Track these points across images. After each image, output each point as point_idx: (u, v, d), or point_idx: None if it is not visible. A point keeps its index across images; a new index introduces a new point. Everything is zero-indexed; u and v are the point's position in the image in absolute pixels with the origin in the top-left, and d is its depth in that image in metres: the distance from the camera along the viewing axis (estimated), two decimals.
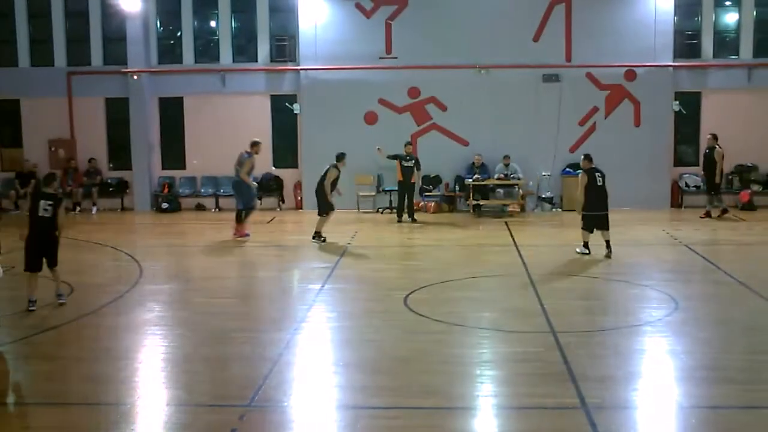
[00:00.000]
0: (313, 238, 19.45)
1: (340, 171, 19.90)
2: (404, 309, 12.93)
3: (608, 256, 17.05)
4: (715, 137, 22.93)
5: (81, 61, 26.48)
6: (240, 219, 20.22)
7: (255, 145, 20.63)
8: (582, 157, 17.80)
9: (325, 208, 19.68)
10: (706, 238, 19.70)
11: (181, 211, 25.85)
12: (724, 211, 22.94)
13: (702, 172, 23.55)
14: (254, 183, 21.12)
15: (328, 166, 19.91)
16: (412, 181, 23.03)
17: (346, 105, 25.31)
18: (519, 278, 15.19)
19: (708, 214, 22.81)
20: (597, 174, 17.37)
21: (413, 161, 22.99)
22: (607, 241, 17.21)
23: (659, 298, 13.60)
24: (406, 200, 23.06)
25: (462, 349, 10.87)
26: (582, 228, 17.44)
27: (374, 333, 11.75)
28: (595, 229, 17.32)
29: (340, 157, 20.05)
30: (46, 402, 9.16)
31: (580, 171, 17.82)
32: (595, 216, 17.23)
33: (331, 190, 19.74)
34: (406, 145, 23.24)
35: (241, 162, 20.31)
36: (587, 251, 17.29)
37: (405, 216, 23.02)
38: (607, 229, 17.25)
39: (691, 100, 25.55)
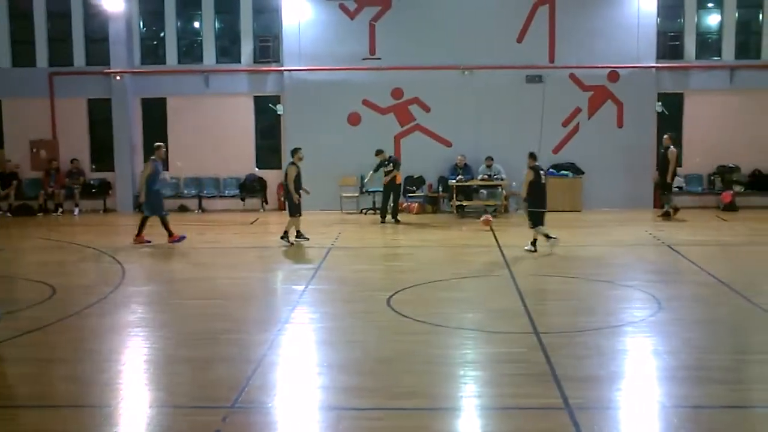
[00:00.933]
0: (297, 237, 19.42)
1: (299, 167, 19.56)
2: (387, 310, 12.92)
3: (533, 251, 17.76)
4: (671, 138, 23.07)
5: (63, 61, 26.42)
6: (142, 226, 19.83)
7: (157, 149, 20.01)
8: (528, 155, 18.33)
9: (294, 209, 19.41)
10: (689, 238, 19.76)
11: None
12: (666, 214, 23.12)
13: (656, 172, 23.54)
14: (167, 184, 20.93)
15: (286, 165, 19.63)
16: (398, 182, 23.03)
17: (329, 106, 25.33)
18: (502, 279, 15.21)
19: (667, 214, 22.92)
20: (541, 171, 18.01)
21: (391, 164, 22.96)
22: (537, 239, 17.90)
23: (642, 299, 13.64)
24: (390, 201, 23.06)
25: (445, 350, 10.87)
26: (532, 227, 17.88)
27: (357, 334, 11.74)
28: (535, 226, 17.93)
29: (294, 151, 19.67)
30: (29, 404, 9.11)
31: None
32: (541, 212, 17.81)
33: (297, 189, 19.43)
34: (376, 153, 23.12)
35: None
36: (553, 236, 17.84)
37: (388, 217, 23.02)
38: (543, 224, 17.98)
39: (674, 101, 25.71)
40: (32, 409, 8.97)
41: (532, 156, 18.21)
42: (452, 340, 11.46)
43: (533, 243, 17.78)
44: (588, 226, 22.07)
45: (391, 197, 23.12)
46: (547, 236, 17.85)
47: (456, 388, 9.50)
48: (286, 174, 19.57)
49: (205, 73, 25.94)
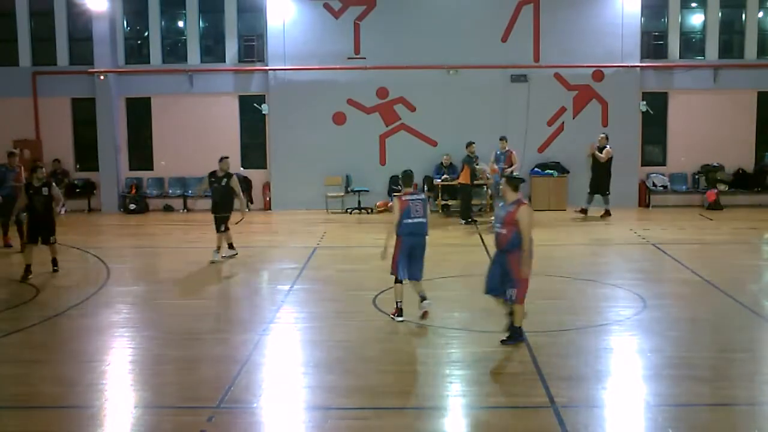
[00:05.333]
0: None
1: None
2: (373, 309, 12.93)
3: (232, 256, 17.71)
4: (607, 138, 23.14)
5: (46, 60, 26.24)
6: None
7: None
8: (220, 159, 17.91)
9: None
10: (674, 237, 19.83)
11: (149, 212, 25.66)
12: (607, 212, 23.17)
13: (591, 172, 23.51)
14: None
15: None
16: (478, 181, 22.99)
17: (314, 105, 25.28)
18: None
19: (585, 212, 23.19)
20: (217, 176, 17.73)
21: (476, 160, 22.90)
22: (230, 244, 17.81)
23: (627, 298, 13.69)
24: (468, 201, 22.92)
25: (431, 349, 10.89)
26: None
27: (343, 334, 11.73)
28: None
29: (35, 169, 16.11)
30: (13, 405, 9.06)
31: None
32: (223, 217, 17.56)
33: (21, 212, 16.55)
34: (468, 146, 22.73)
35: None
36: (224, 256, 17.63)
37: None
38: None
39: (658, 101, 25.76)
40: (16, 410, 8.93)
41: (223, 160, 17.89)
42: (438, 339, 11.47)
43: (230, 246, 17.83)
44: (573, 224, 22.12)
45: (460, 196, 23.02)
46: (220, 249, 17.65)
47: (442, 387, 9.51)
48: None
49: (190, 72, 25.83)
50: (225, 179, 17.53)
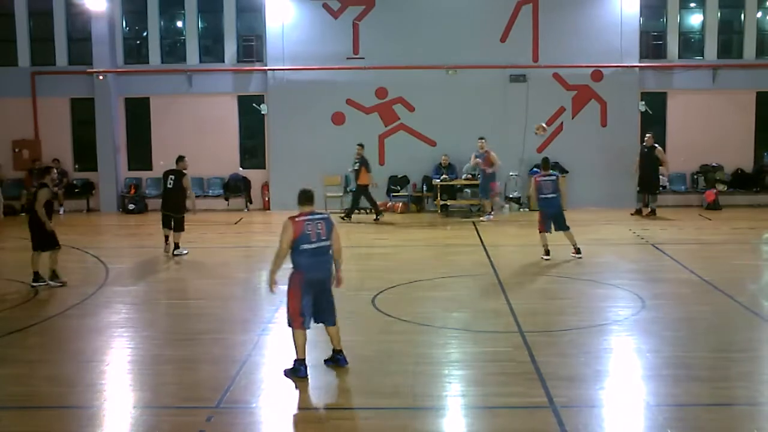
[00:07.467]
0: (52, 279, 15.07)
1: (51, 189, 15.27)
2: (372, 309, 12.92)
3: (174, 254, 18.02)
4: (653, 137, 23.33)
5: (45, 60, 26.26)
6: None
7: None
8: (179, 158, 18.95)
9: (46, 242, 15.04)
10: (672, 237, 19.83)
11: (148, 213, 25.63)
12: (653, 212, 23.50)
13: (638, 171, 23.77)
14: None
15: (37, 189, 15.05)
16: (361, 182, 23.23)
17: (313, 105, 25.29)
18: (487, 278, 15.22)
19: (639, 212, 23.55)
20: (171, 177, 18.47)
21: (358, 164, 23.15)
22: (176, 243, 18.06)
23: (626, 298, 13.69)
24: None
25: (430, 349, 10.87)
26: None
27: (343, 334, 11.66)
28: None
29: (46, 171, 15.47)
30: (12, 406, 9.05)
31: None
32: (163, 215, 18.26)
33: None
34: (358, 146, 23.37)
35: None
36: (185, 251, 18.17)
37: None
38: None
39: (657, 101, 25.77)
40: (15, 411, 8.91)
41: (180, 159, 18.83)
42: (437, 339, 11.46)
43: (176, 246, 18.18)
44: (572, 225, 21.96)
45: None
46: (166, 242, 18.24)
47: (441, 387, 9.50)
48: (35, 198, 14.78)
49: (189, 72, 25.83)
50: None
